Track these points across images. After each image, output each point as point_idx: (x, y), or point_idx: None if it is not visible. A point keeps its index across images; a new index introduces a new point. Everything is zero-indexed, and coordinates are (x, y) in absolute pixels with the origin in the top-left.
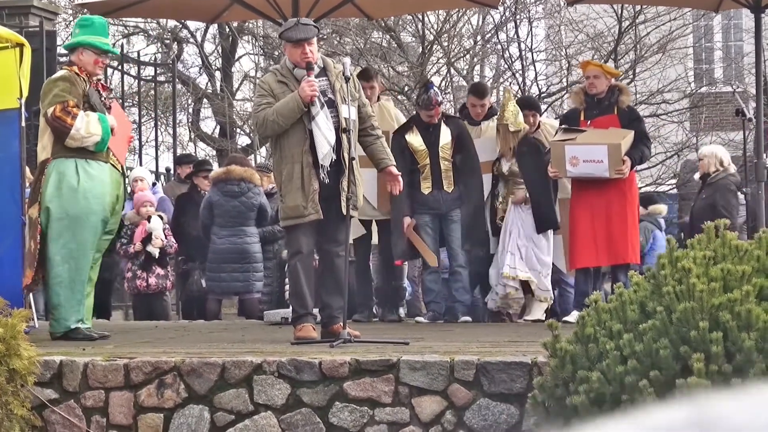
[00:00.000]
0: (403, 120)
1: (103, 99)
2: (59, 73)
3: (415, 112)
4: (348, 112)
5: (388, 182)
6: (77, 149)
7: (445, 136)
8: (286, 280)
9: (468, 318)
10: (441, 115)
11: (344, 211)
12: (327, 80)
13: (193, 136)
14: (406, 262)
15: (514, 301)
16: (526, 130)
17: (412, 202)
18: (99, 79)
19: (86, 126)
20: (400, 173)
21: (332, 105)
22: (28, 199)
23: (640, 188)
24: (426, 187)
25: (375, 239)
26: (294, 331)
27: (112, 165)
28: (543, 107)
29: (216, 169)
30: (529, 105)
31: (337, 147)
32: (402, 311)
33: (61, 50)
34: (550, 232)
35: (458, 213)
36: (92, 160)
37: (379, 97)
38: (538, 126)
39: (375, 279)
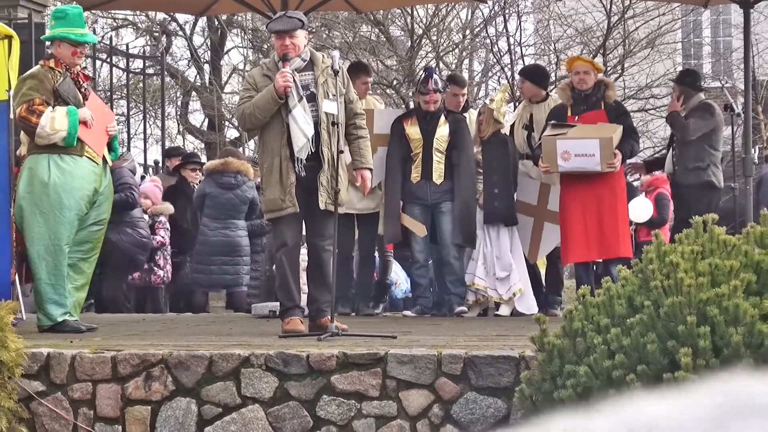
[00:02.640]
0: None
1: (83, 89)
2: (30, 71)
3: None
4: (330, 107)
5: (359, 183)
6: (50, 145)
7: (443, 128)
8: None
9: (464, 308)
10: (443, 107)
11: (321, 206)
12: (312, 74)
13: (181, 129)
14: (393, 260)
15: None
16: (501, 127)
17: (404, 189)
18: (81, 69)
19: (51, 123)
20: (370, 178)
21: (314, 99)
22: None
23: (630, 181)
24: (415, 177)
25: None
26: (282, 324)
27: (89, 158)
28: None
29: (206, 161)
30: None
31: (317, 141)
32: (381, 307)
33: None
34: (513, 231)
35: (448, 205)
36: (66, 155)
37: None
38: (546, 97)
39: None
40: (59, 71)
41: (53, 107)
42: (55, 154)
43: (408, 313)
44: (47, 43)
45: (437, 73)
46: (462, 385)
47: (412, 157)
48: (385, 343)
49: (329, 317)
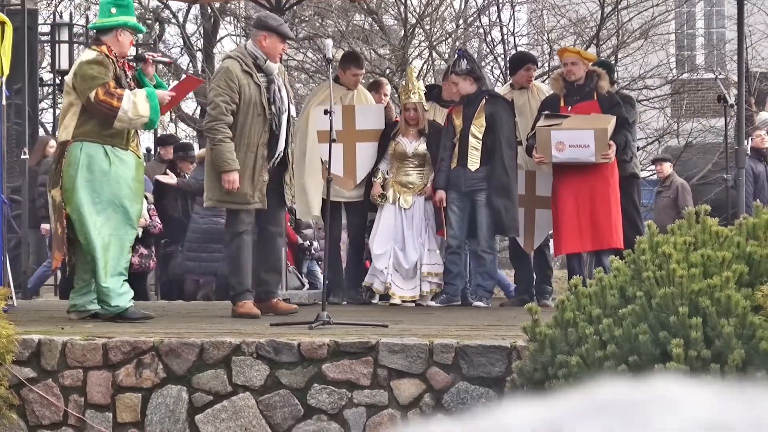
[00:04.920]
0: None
1: (128, 80)
2: (90, 55)
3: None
4: (293, 110)
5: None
6: (100, 134)
7: (482, 113)
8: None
9: (480, 303)
10: (483, 91)
11: (288, 203)
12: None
13: (173, 117)
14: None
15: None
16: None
17: (448, 176)
18: (125, 60)
19: (133, 107)
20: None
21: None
22: (50, 181)
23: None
24: (453, 163)
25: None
26: (234, 308)
27: (132, 152)
28: None
29: (198, 149)
30: (528, 59)
31: (285, 142)
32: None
33: (42, 29)
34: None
35: (483, 196)
36: (115, 147)
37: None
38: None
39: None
40: (111, 59)
41: (131, 90)
42: (109, 145)
43: (432, 303)
44: (94, 30)
45: (465, 56)
46: (453, 374)
47: (455, 144)
48: (376, 332)
49: (279, 299)
